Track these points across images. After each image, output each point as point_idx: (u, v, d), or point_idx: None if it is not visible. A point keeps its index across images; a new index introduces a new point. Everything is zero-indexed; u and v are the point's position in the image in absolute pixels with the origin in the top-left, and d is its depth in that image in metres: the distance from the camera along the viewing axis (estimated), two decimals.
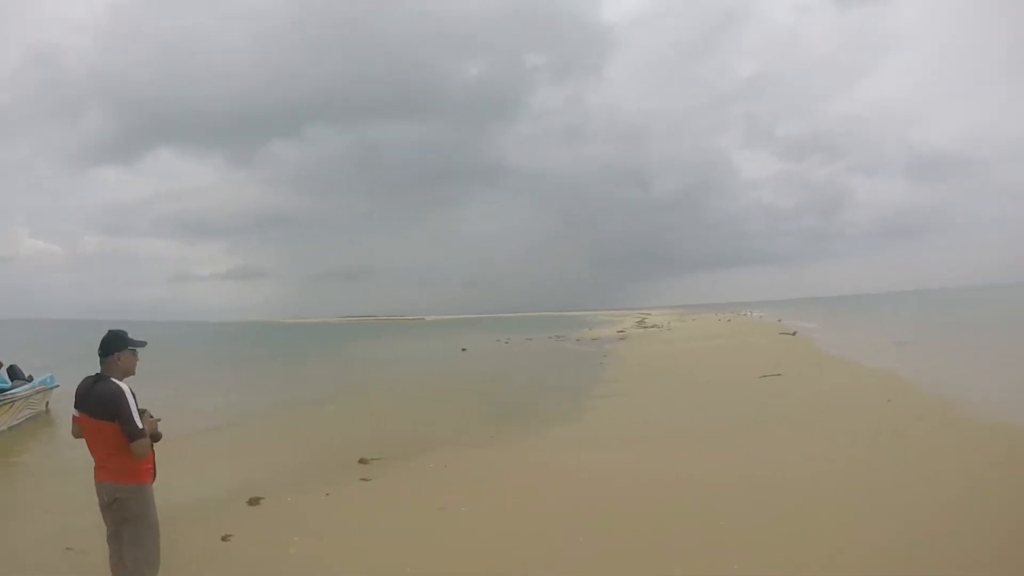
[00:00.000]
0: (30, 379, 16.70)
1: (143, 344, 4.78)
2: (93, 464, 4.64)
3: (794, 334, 38.61)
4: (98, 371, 4.59)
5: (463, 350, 43.10)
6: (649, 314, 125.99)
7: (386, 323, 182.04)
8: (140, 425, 4.42)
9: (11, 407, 15.04)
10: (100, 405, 4.41)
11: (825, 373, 19.79)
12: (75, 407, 4.59)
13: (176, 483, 9.19)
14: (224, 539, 6.81)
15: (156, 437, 4.75)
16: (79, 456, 4.75)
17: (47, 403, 17.33)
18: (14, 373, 16.51)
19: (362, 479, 9.55)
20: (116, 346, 4.63)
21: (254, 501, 8.33)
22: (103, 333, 4.82)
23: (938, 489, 7.41)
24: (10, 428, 14.81)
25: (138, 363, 4.77)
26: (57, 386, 17.42)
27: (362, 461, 10.54)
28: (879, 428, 11.03)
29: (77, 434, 4.71)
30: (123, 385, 4.48)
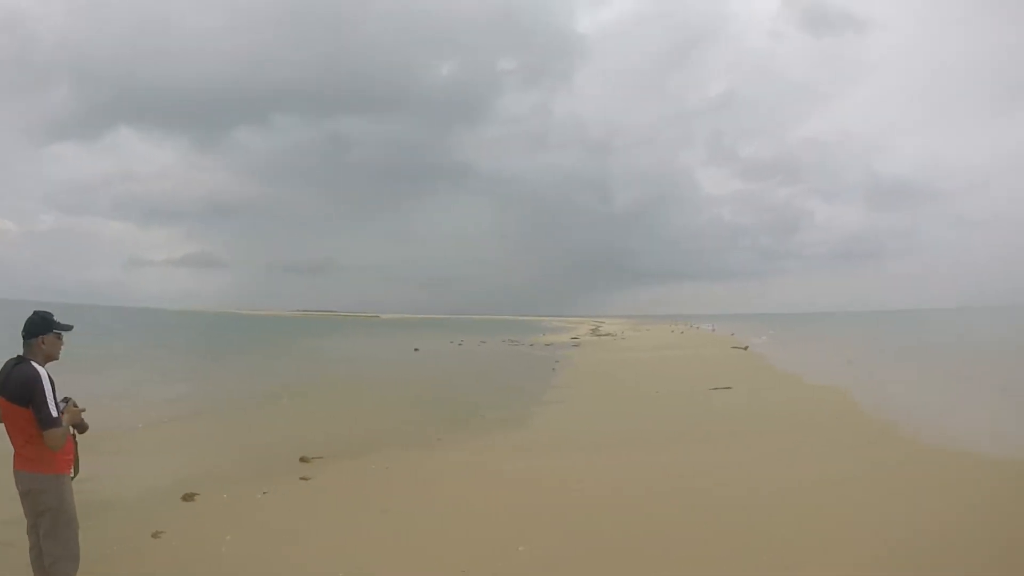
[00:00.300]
0: None
1: (69, 328, 4.64)
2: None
3: (746, 348, 39.11)
4: (19, 353, 4.39)
5: (416, 350, 42.97)
6: (604, 322, 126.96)
7: (342, 319, 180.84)
8: (55, 413, 4.24)
9: None
10: (16, 389, 4.24)
11: (774, 388, 20.10)
12: None
13: (111, 477, 8.99)
14: (155, 536, 6.69)
15: (81, 428, 4.57)
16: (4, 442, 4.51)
17: None
18: None
19: (302, 478, 9.43)
20: (40, 329, 4.47)
21: (189, 497, 8.20)
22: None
23: (873, 507, 7.54)
24: None
25: (63, 348, 4.58)
26: None
27: (303, 459, 10.40)
28: (823, 444, 11.23)
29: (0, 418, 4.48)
30: (42, 370, 4.31)
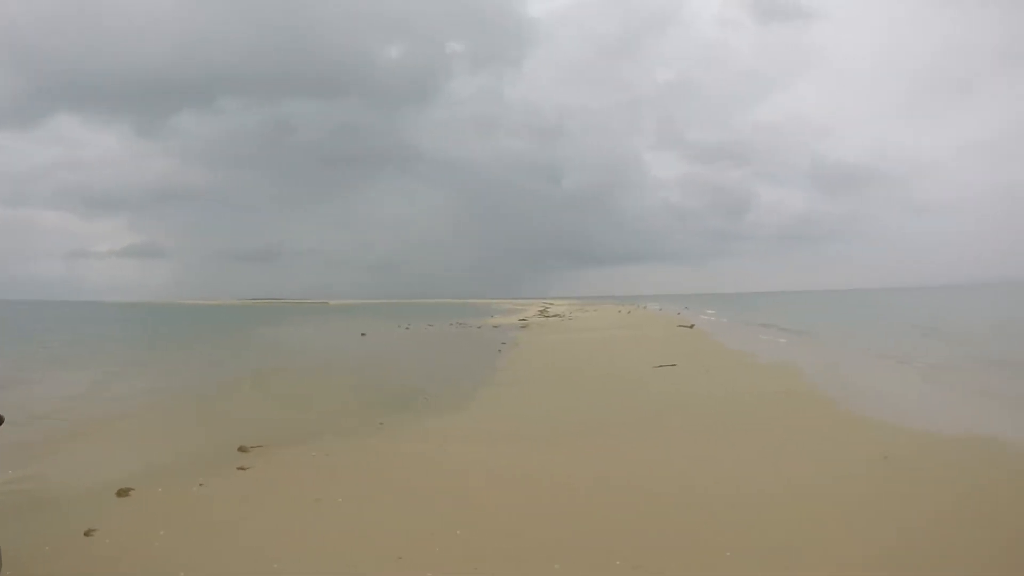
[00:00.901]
0: None
1: None
2: None
3: (692, 327, 39.85)
4: None
5: (362, 335, 42.66)
6: (552, 304, 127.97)
7: (289, 307, 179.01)
8: None
9: None
10: None
11: (719, 365, 20.54)
12: None
13: (45, 475, 8.82)
14: (87, 534, 6.73)
15: None
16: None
17: None
18: None
19: (239, 468, 9.46)
20: None
21: (123, 492, 8.18)
22: None
23: (816, 476, 8.31)
24: None
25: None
26: None
27: (242, 449, 10.39)
28: (764, 418, 11.71)
29: None
30: None
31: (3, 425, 4.54)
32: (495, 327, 49.57)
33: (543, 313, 75.08)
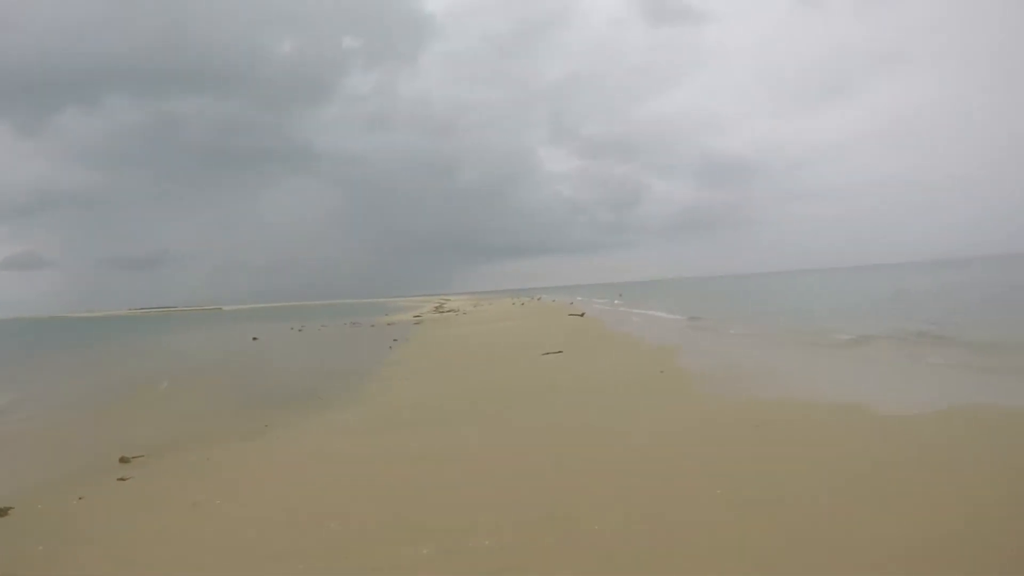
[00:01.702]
0: None
1: None
2: None
3: (582, 315, 40.82)
4: None
5: (254, 339, 41.82)
6: (449, 300, 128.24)
7: (182, 315, 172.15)
8: None
9: None
10: None
11: (605, 350, 21.50)
12: None
13: None
14: None
15: None
16: None
17: None
18: None
19: (120, 479, 9.52)
20: None
21: (2, 512, 8.05)
22: None
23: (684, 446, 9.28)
24: None
25: None
26: None
27: (123, 460, 10.45)
28: (639, 396, 12.38)
29: None
30: None
31: None
32: (389, 324, 49.75)
33: (439, 309, 75.48)
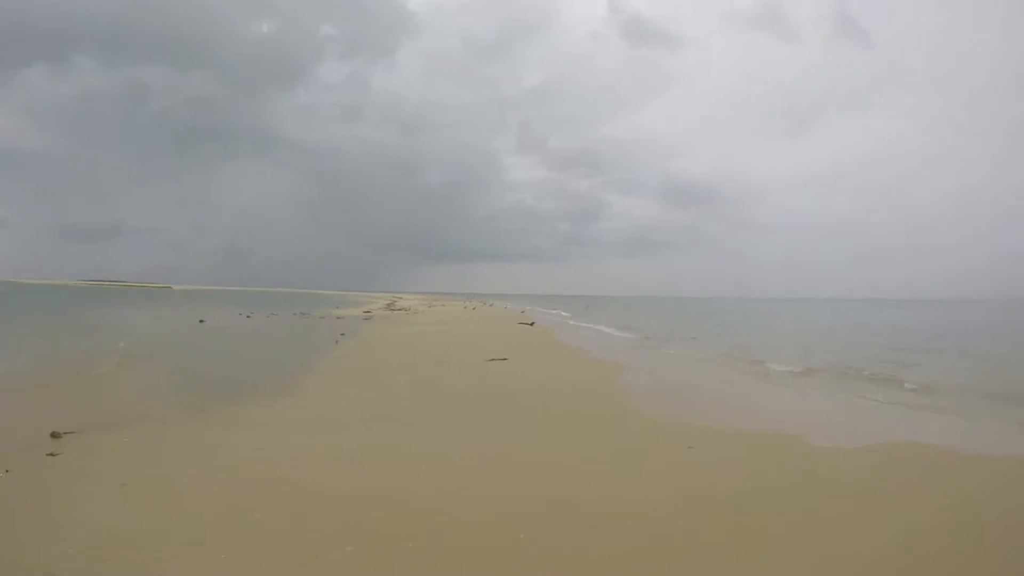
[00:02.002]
0: None
1: None
2: None
3: (532, 324, 40.92)
4: None
5: (201, 322, 41.08)
6: (402, 297, 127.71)
7: (129, 290, 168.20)
8: None
9: None
10: None
11: (547, 359, 21.37)
12: None
13: None
14: None
15: None
16: None
17: None
18: None
19: (49, 454, 9.34)
20: None
21: None
22: None
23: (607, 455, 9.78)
24: None
25: None
26: None
27: (54, 435, 10.32)
28: (567, 407, 12.27)
29: None
30: None
31: None
32: (339, 318, 49.37)
33: (390, 306, 75.24)
